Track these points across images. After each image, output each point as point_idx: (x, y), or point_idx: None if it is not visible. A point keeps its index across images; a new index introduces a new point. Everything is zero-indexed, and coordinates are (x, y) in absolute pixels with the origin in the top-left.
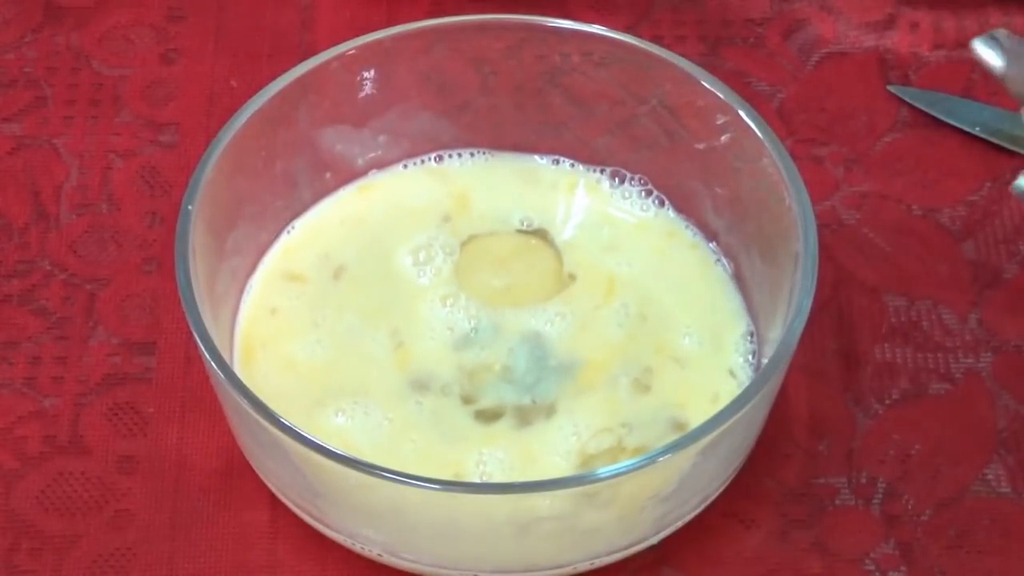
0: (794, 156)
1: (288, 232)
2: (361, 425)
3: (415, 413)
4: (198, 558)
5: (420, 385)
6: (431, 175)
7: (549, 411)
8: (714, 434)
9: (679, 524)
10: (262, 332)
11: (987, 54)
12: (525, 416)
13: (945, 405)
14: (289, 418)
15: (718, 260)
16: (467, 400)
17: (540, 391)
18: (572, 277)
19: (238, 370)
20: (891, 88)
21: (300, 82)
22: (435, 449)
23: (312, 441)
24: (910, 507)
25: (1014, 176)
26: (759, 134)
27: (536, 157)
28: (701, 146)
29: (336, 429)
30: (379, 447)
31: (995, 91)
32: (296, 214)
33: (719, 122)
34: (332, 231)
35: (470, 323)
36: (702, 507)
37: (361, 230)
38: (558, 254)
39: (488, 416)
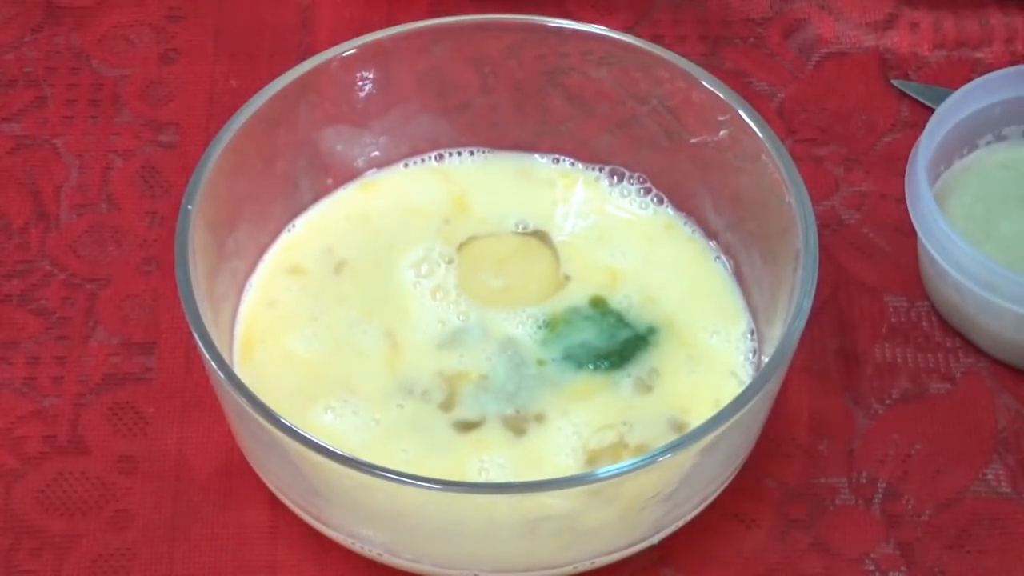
0: (794, 156)
1: (289, 231)
2: (351, 424)
3: (398, 417)
4: (198, 558)
5: (404, 388)
6: (432, 174)
7: (539, 418)
8: (714, 434)
9: (679, 524)
10: (262, 326)
11: None
12: (517, 426)
13: (945, 405)
14: (284, 415)
15: (718, 258)
16: (445, 407)
17: (522, 400)
18: (568, 278)
19: (237, 366)
20: (895, 82)
21: (300, 82)
22: (428, 459)
23: (312, 440)
24: (910, 507)
25: None
26: (759, 134)
27: (536, 156)
28: (701, 145)
29: (326, 427)
30: (369, 449)
31: None
32: (296, 214)
33: (719, 122)
34: (336, 226)
35: (459, 319)
36: (702, 507)
37: (365, 226)
38: (555, 255)
39: (467, 426)
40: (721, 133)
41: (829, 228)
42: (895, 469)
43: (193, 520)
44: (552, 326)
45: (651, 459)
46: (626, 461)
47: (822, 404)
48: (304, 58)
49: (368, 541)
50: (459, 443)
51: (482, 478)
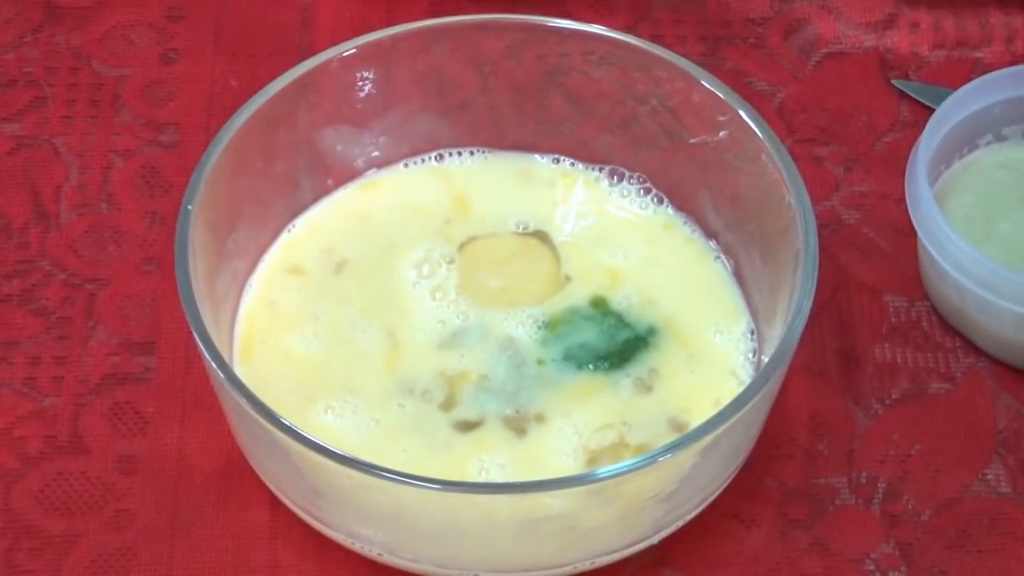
0: (794, 156)
1: (289, 231)
2: (351, 424)
3: (398, 417)
4: (198, 558)
5: (404, 388)
6: (432, 174)
7: (539, 418)
8: (714, 434)
9: (679, 524)
10: (262, 325)
11: None
12: (517, 426)
13: (945, 405)
14: (284, 415)
15: (717, 258)
16: (445, 407)
17: (522, 400)
18: (568, 278)
19: (237, 365)
20: (895, 82)
21: (300, 82)
22: (428, 459)
23: (312, 441)
24: (910, 507)
25: None
26: (759, 134)
27: (536, 156)
28: (701, 145)
29: (326, 427)
30: (369, 449)
31: None
32: (296, 214)
33: (719, 122)
34: (336, 226)
35: (459, 319)
36: (702, 507)
37: (366, 226)
38: (556, 255)
39: (467, 426)
40: (721, 133)
41: (829, 228)
42: (895, 469)
43: (193, 520)
44: (552, 326)
45: (651, 459)
46: (626, 461)
47: (822, 404)
48: (304, 58)
49: (368, 541)
50: (459, 443)
51: (482, 478)
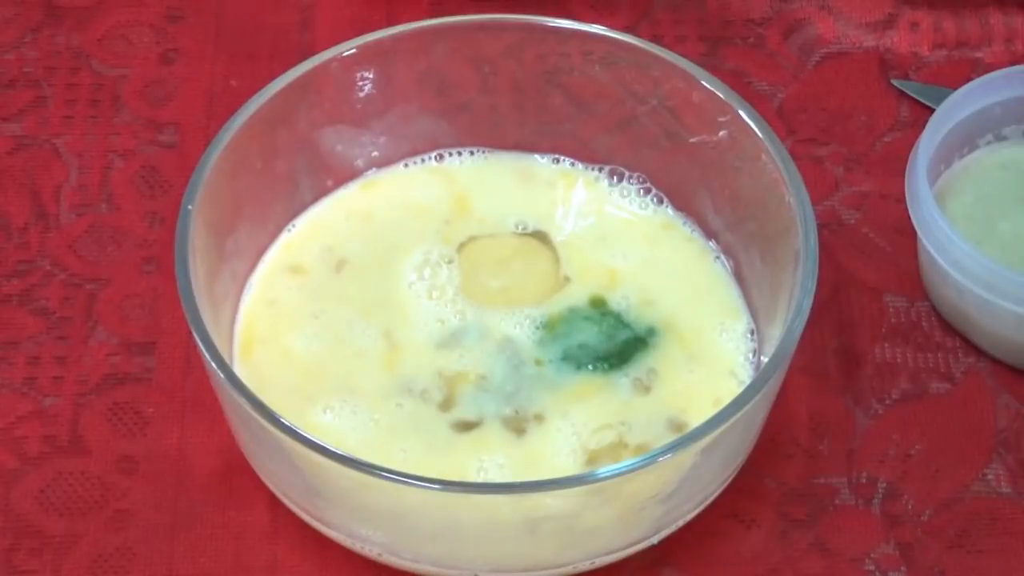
0: (794, 156)
1: (289, 230)
2: (350, 424)
3: (397, 417)
4: (198, 558)
5: (403, 388)
6: (432, 174)
7: (538, 418)
8: (714, 434)
9: (679, 524)
10: (262, 325)
11: None
12: (516, 426)
13: (945, 405)
14: (283, 414)
15: (717, 258)
16: (444, 407)
17: (521, 400)
18: (567, 278)
19: (237, 365)
20: (895, 82)
21: (300, 82)
22: (427, 459)
23: (311, 441)
24: (910, 507)
25: None
26: (759, 133)
27: (536, 156)
28: (701, 145)
29: (325, 427)
30: (368, 448)
31: None
32: (296, 214)
33: (719, 122)
34: (337, 226)
35: (458, 319)
36: (702, 507)
37: (366, 226)
38: (555, 255)
39: (466, 426)
40: (721, 133)
41: (829, 228)
42: (895, 469)
43: (193, 520)
44: (550, 327)
45: (651, 459)
46: (626, 461)
47: (822, 404)
48: (304, 58)
49: (368, 541)
50: (458, 443)
51: (481, 478)
